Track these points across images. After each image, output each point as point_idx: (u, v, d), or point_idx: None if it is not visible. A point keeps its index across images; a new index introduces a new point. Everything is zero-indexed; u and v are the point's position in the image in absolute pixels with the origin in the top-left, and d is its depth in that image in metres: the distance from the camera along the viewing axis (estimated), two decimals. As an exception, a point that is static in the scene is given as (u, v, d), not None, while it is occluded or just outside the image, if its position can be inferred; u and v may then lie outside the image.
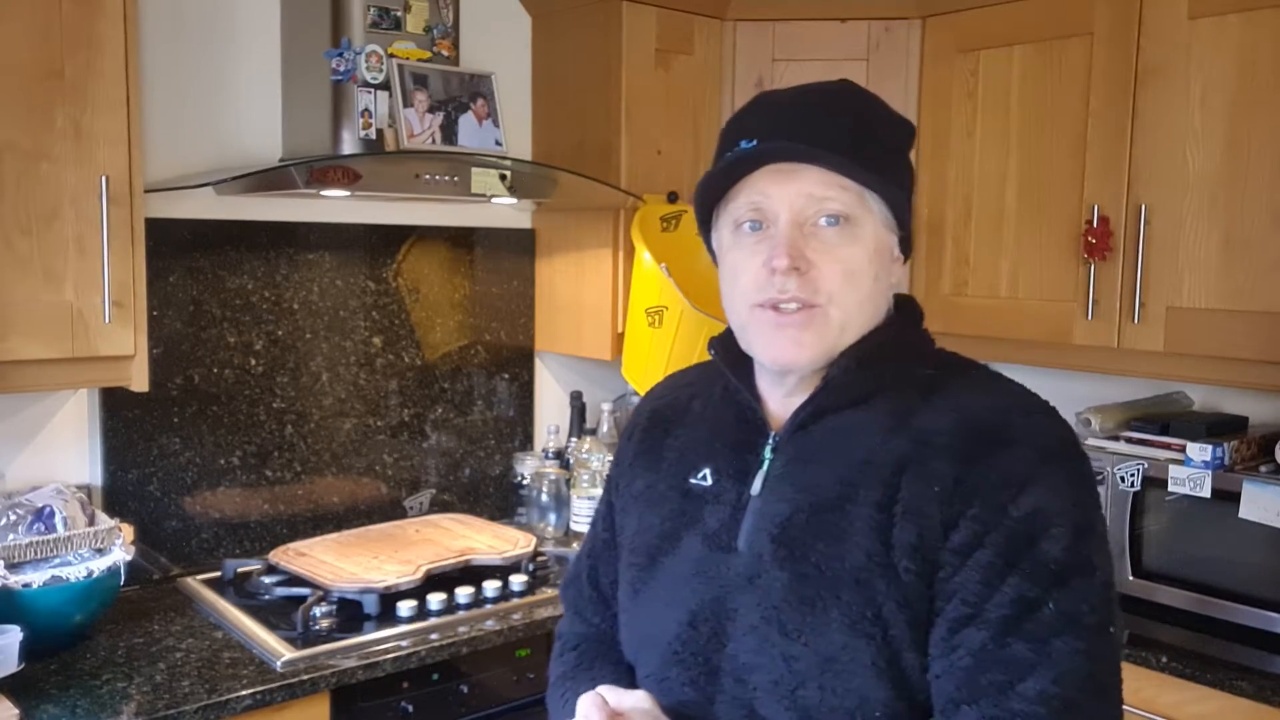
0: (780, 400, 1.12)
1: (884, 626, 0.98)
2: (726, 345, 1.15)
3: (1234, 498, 2.05)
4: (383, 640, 1.95)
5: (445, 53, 2.32)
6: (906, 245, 1.12)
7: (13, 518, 1.89)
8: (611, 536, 1.26)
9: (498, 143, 2.33)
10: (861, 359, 1.06)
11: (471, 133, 2.30)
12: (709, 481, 1.12)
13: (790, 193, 1.03)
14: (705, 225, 1.14)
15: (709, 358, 1.23)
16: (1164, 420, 2.26)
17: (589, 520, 2.52)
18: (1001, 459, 0.99)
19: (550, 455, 2.72)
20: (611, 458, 2.65)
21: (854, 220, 1.04)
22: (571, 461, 2.65)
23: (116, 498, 2.20)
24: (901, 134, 1.12)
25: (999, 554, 0.96)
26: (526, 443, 2.85)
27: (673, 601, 1.10)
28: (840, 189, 1.03)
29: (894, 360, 1.08)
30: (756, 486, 1.08)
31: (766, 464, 1.09)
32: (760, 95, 1.12)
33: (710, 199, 1.10)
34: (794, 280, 1.02)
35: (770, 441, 1.10)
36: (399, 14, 2.23)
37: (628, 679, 1.17)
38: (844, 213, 1.04)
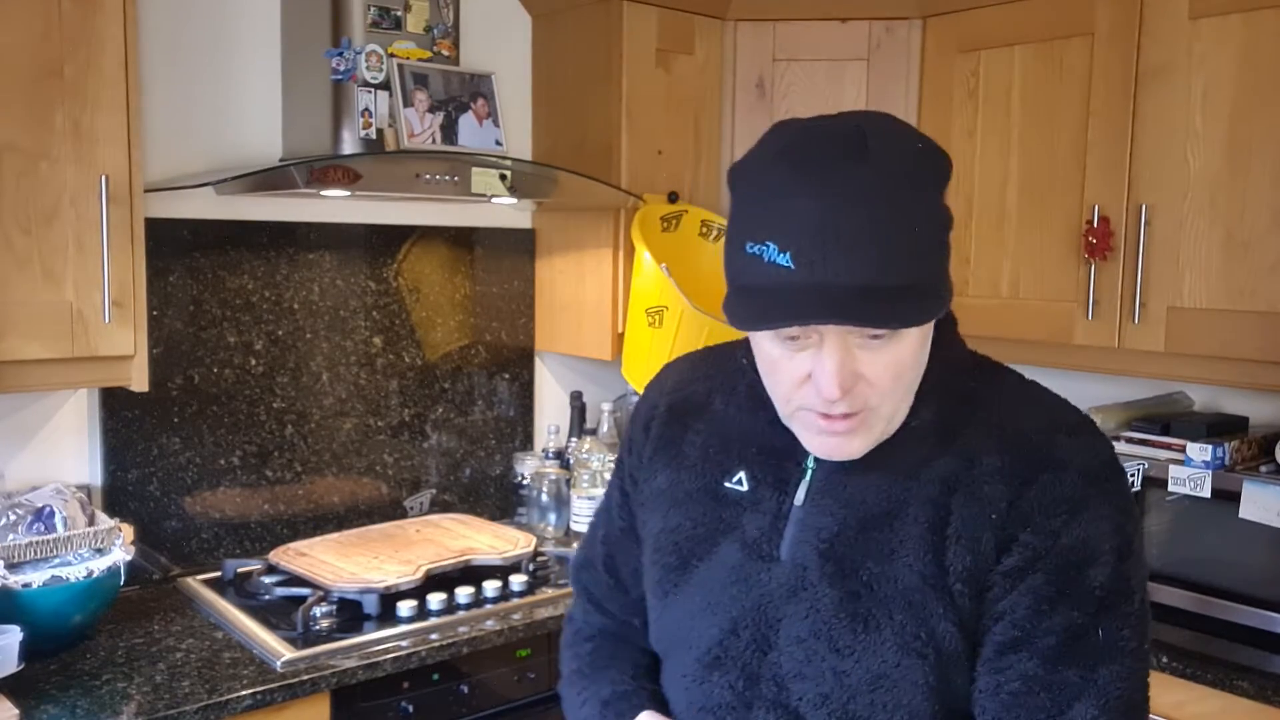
0: None
1: (936, 646, 0.99)
2: None
3: (1234, 498, 2.05)
4: (383, 640, 1.95)
5: (445, 52, 2.31)
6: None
7: (13, 518, 1.89)
8: (629, 525, 1.24)
9: (498, 143, 2.33)
10: (929, 400, 1.04)
11: (472, 132, 2.30)
12: (745, 487, 1.10)
13: (833, 326, 0.95)
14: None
15: None
16: (1164, 420, 2.26)
17: (589, 521, 2.53)
18: (1052, 483, 0.99)
19: (550, 455, 2.72)
20: (612, 458, 2.64)
21: (899, 330, 0.97)
22: (572, 461, 2.65)
23: (116, 498, 2.20)
24: (940, 182, 0.99)
25: (1049, 580, 0.97)
26: (527, 443, 2.85)
27: (711, 607, 1.09)
28: None
29: (936, 376, 1.04)
30: (800, 497, 1.07)
31: (810, 473, 1.07)
32: (783, 160, 0.95)
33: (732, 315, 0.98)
34: (843, 402, 0.96)
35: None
36: (399, 14, 2.23)
37: (647, 676, 1.17)
38: (889, 331, 0.96)
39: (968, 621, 0.99)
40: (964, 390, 1.06)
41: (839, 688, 1.01)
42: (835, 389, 0.95)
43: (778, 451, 1.08)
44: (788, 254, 0.91)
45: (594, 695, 1.19)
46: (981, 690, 0.99)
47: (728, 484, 1.11)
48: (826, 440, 1.00)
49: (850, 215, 0.91)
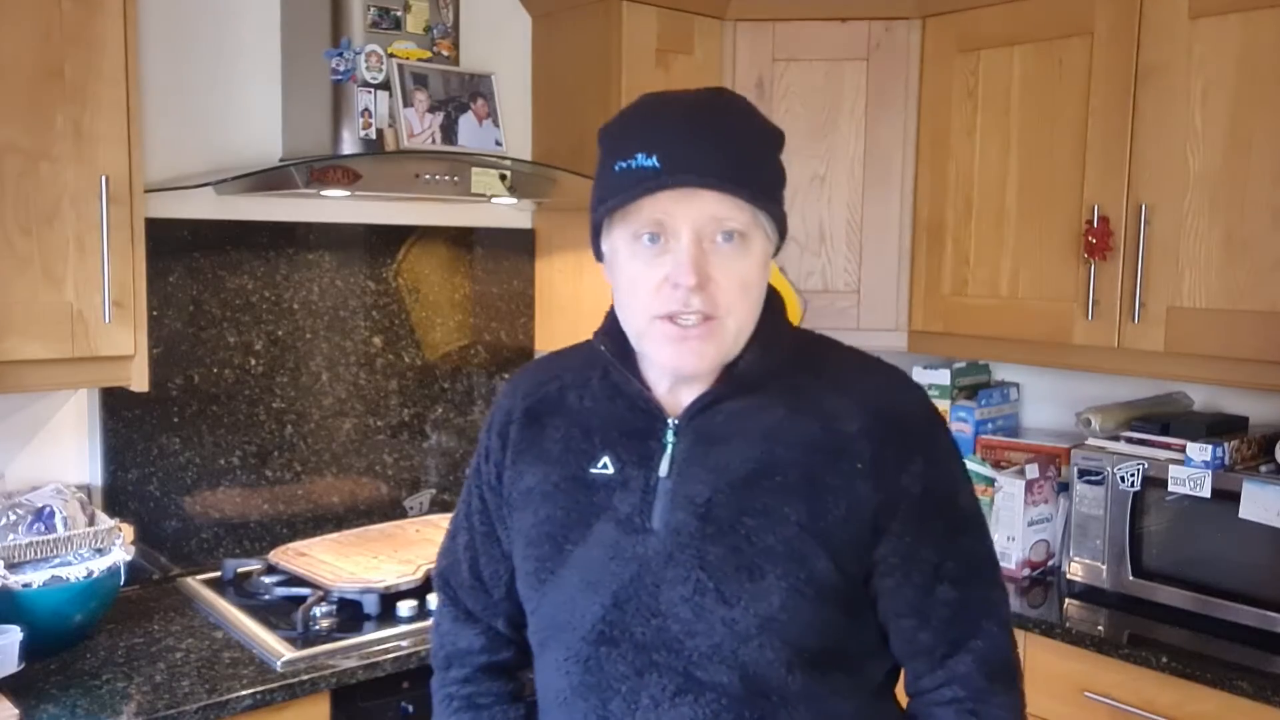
0: (669, 388, 1.19)
1: (816, 585, 1.10)
2: (612, 337, 1.21)
3: (1234, 498, 2.05)
4: (383, 640, 1.95)
5: (445, 53, 2.32)
6: (778, 246, 1.20)
7: (13, 518, 1.89)
8: (490, 530, 1.30)
9: (498, 143, 2.33)
10: (763, 349, 1.16)
11: (471, 133, 2.30)
12: (611, 469, 1.18)
13: (693, 213, 1.09)
14: (597, 231, 1.18)
15: None
16: (1164, 420, 2.26)
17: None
18: (908, 436, 1.15)
19: (550, 455, 2.72)
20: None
21: (748, 236, 1.11)
22: (571, 461, 2.65)
23: (116, 498, 2.20)
24: (776, 143, 1.17)
25: (937, 516, 1.15)
26: (526, 443, 2.84)
27: (591, 585, 1.15)
28: (737, 209, 1.10)
29: (781, 346, 1.17)
30: (664, 469, 1.15)
31: (670, 447, 1.15)
32: (646, 102, 1.15)
33: (608, 209, 1.14)
34: (697, 296, 1.08)
35: (670, 425, 1.17)
36: (399, 14, 2.23)
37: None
38: (740, 230, 1.10)
39: (844, 563, 1.11)
40: (808, 361, 1.19)
41: (730, 636, 1.10)
42: (690, 274, 1.07)
43: (639, 432, 1.17)
44: (654, 156, 1.06)
45: None
46: (916, 624, 1.14)
47: (594, 470, 1.19)
48: (680, 348, 1.11)
49: (711, 125, 1.09)
